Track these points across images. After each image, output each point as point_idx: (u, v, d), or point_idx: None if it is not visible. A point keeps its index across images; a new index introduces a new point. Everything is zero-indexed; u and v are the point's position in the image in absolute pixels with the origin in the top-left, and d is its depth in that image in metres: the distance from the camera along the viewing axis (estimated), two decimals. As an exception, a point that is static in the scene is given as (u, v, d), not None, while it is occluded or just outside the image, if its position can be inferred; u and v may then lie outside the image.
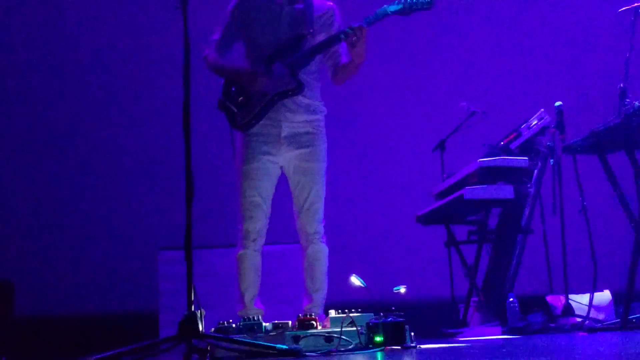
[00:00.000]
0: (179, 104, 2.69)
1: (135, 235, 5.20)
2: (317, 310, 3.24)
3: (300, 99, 3.26)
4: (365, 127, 5.75)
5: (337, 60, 3.38)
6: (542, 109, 4.44)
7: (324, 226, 3.34)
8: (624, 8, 3.78)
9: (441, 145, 5.05)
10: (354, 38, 3.13)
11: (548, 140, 4.42)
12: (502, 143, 4.44)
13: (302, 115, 3.30)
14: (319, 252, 3.30)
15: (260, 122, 3.25)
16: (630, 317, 3.71)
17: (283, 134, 3.27)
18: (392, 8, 3.17)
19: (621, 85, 3.60)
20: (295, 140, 3.28)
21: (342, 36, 3.17)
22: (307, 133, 3.30)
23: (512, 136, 4.46)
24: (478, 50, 5.98)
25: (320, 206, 3.32)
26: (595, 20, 5.90)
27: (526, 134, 4.42)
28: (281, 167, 3.34)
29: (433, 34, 5.94)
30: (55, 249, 5.19)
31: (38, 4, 5.72)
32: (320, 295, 3.29)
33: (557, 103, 4.34)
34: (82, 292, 5.08)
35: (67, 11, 5.70)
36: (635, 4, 3.74)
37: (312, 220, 3.29)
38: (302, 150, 3.28)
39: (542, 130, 4.42)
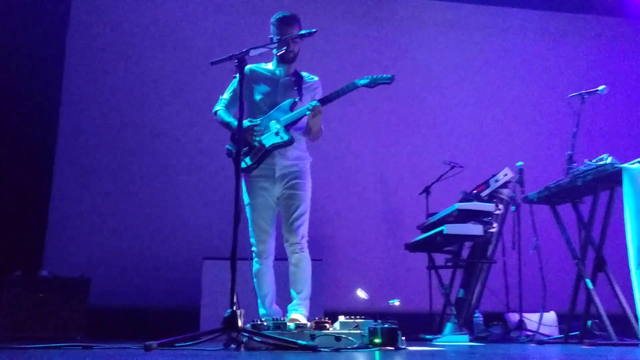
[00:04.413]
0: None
1: (186, 247, 5.24)
2: (298, 308, 3.19)
3: (290, 149, 3.29)
4: (369, 177, 5.82)
5: None
6: (507, 167, 4.47)
7: (308, 242, 3.27)
8: (572, 94, 3.86)
9: (426, 190, 5.10)
10: (314, 111, 3.19)
11: (510, 191, 4.47)
12: (474, 191, 4.45)
13: (291, 161, 3.31)
14: (301, 260, 3.22)
15: (260, 166, 3.28)
16: (571, 333, 3.72)
17: (276, 175, 3.29)
18: (361, 82, 3.21)
19: (569, 152, 3.64)
20: (285, 178, 3.29)
21: (307, 111, 3.21)
22: (294, 172, 3.30)
23: (482, 187, 4.49)
24: (459, 116, 6.06)
25: (302, 223, 3.24)
26: (550, 101, 6.00)
27: (493, 186, 4.44)
28: (276, 199, 3.32)
29: (425, 105, 6.05)
30: (123, 254, 5.22)
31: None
32: (302, 295, 3.22)
33: (519, 163, 4.43)
34: (142, 289, 5.09)
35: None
36: (582, 92, 3.83)
37: (295, 233, 3.21)
38: (290, 183, 3.28)
39: (506, 184, 4.45)
